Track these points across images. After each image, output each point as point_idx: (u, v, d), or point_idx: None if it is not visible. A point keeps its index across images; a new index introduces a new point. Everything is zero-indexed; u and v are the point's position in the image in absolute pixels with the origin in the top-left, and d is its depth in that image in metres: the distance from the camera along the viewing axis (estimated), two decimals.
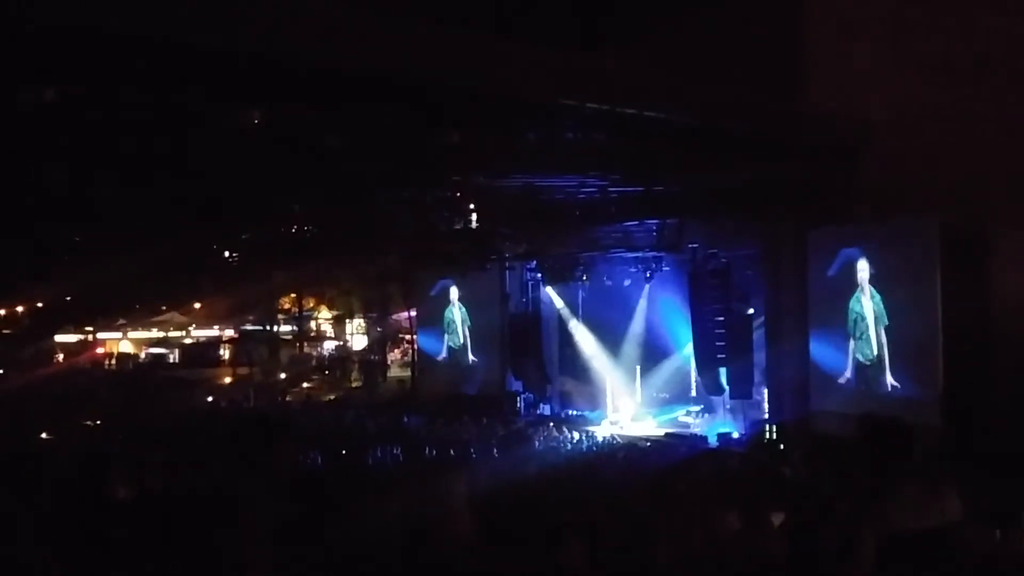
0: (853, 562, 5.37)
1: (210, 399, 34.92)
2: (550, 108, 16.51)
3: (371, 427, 24.88)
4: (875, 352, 20.08)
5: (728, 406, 25.07)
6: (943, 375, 18.30)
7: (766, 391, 23.89)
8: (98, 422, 25.04)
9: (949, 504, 5.60)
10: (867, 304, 20.22)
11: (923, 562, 5.29)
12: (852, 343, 20.70)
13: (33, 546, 5.46)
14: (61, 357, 43.80)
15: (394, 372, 43.93)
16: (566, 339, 30.23)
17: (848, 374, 20.87)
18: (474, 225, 26.00)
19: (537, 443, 21.94)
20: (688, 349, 26.25)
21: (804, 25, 21.84)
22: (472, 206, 25.02)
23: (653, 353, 28.15)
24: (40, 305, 42.21)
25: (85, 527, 5.68)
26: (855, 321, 20.55)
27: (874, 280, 20.07)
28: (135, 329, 48.73)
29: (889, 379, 19.78)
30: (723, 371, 24.31)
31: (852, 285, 20.49)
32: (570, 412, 29.04)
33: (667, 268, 26.55)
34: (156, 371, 44.51)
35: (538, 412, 28.94)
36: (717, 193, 21.94)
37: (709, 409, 26.01)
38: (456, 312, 32.15)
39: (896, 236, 19.85)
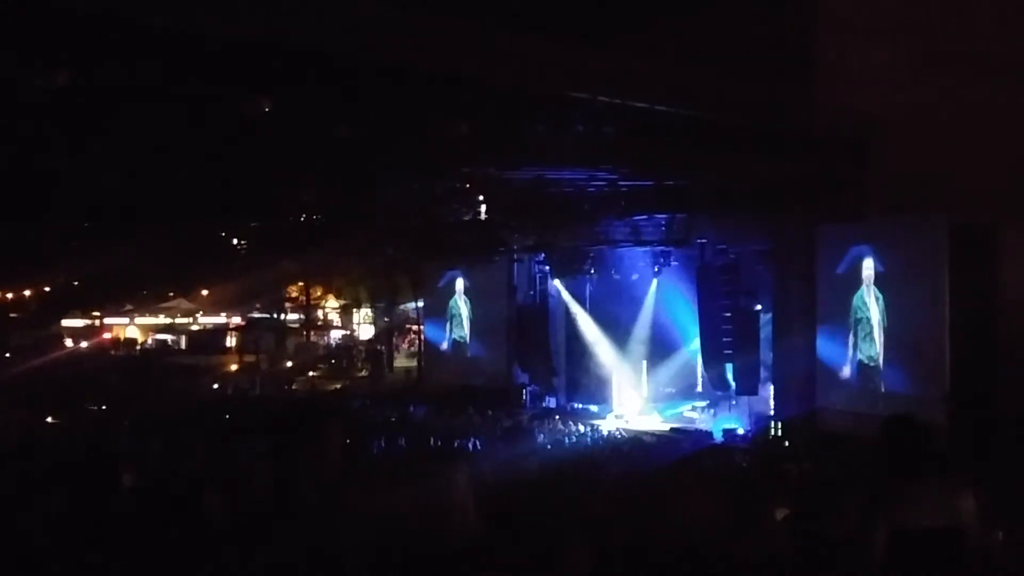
0: (863, 557, 5.37)
1: (216, 386, 34.91)
2: (561, 101, 16.50)
3: (376, 416, 24.85)
4: (879, 351, 20.05)
5: (734, 402, 25.04)
6: (950, 373, 18.27)
7: (772, 387, 23.86)
8: (104, 407, 25.04)
9: (964, 504, 5.59)
10: (871, 303, 20.19)
11: (934, 560, 5.29)
12: (854, 340, 20.68)
13: (42, 534, 5.47)
14: (69, 342, 43.77)
15: (401, 362, 43.90)
16: (573, 332, 30.15)
17: (852, 372, 20.86)
18: (483, 217, 25.99)
19: (542, 436, 21.90)
20: (695, 344, 26.22)
21: (816, 21, 21.81)
22: (481, 198, 25.01)
23: (660, 348, 28.13)
24: (48, 290, 42.28)
25: (94, 514, 5.68)
26: (858, 320, 20.52)
27: (881, 277, 20.03)
28: (142, 315, 48.71)
29: (894, 377, 19.76)
30: (729, 367, 24.30)
31: (859, 282, 20.47)
32: (576, 405, 28.99)
33: (675, 263, 26.54)
34: (163, 357, 44.52)
35: (544, 405, 28.90)
36: (727, 188, 21.90)
37: (715, 404, 25.98)
38: (461, 303, 32.14)
39: (905, 233, 19.82)
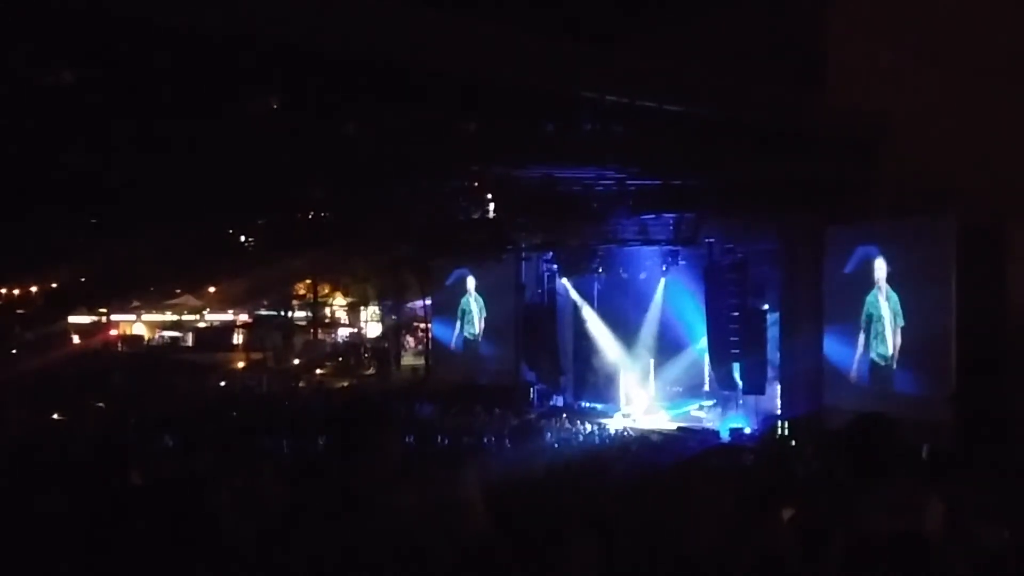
0: (820, 560, 5.32)
1: (223, 383, 34.91)
2: (569, 100, 16.49)
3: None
4: (890, 351, 20.05)
5: (741, 401, 25.03)
6: (956, 374, 18.26)
7: (779, 386, 23.85)
8: (111, 404, 25.06)
9: (929, 509, 5.51)
10: (883, 303, 20.17)
11: (896, 567, 5.22)
12: (864, 339, 20.67)
13: (49, 532, 5.48)
14: (76, 338, 43.82)
15: (407, 360, 43.87)
16: (580, 331, 30.12)
17: (861, 371, 20.84)
18: (491, 215, 25.98)
19: (549, 434, 21.88)
20: (702, 343, 26.20)
21: (825, 21, 21.81)
22: (489, 196, 25.00)
23: (667, 347, 28.08)
24: (54, 286, 42.35)
25: (101, 512, 5.69)
26: (870, 319, 20.51)
27: (890, 278, 20.02)
28: (149, 312, 48.77)
29: (903, 377, 19.75)
30: (737, 366, 24.28)
31: (868, 282, 20.46)
32: (583, 404, 29.02)
33: (683, 262, 26.49)
34: (169, 354, 44.57)
35: (551, 403, 28.91)
36: (735, 188, 21.90)
37: (722, 403, 25.96)
38: (472, 301, 32.13)
39: (913, 234, 19.81)
